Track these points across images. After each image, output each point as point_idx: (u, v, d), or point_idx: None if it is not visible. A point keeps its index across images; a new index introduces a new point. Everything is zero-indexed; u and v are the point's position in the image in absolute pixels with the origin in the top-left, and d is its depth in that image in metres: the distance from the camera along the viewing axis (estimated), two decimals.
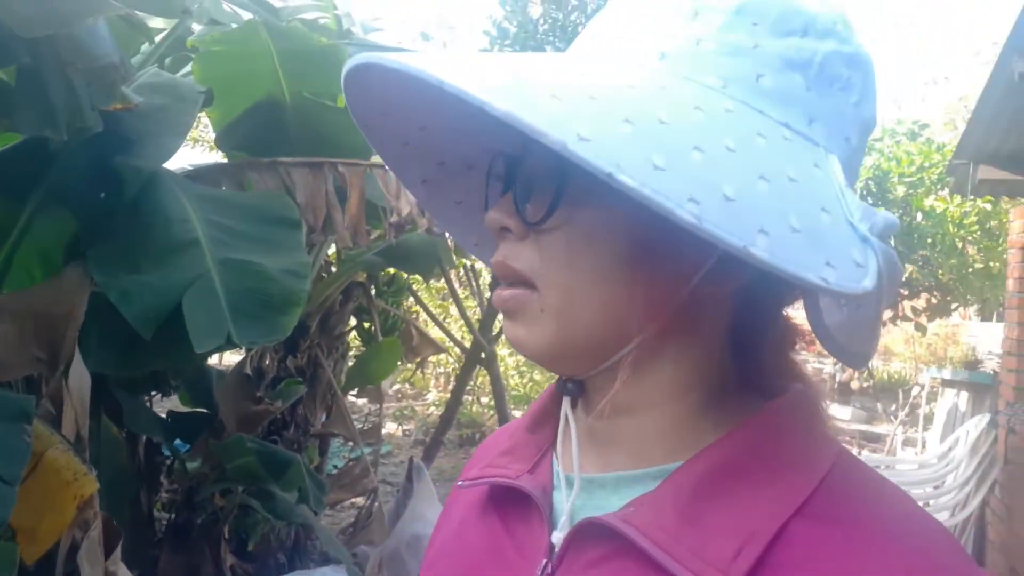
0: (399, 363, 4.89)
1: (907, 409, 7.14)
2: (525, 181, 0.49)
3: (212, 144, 7.09)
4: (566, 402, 0.52)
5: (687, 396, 0.48)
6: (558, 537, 0.48)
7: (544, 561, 0.48)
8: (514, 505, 0.53)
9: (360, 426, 4.18)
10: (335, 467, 4.25)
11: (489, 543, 0.54)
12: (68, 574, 1.78)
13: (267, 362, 3.51)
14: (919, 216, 6.90)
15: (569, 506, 0.49)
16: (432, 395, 8.97)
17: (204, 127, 7.88)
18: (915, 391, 7.27)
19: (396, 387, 9.10)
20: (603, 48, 0.48)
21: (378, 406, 4.40)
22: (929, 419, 6.34)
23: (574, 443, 0.50)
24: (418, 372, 7.26)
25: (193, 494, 2.76)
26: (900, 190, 6.94)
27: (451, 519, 0.61)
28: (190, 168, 2.67)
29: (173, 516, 2.84)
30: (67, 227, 2.11)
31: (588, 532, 0.46)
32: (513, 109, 0.37)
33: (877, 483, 0.46)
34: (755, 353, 0.50)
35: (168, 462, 3.10)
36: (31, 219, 2.05)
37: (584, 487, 0.50)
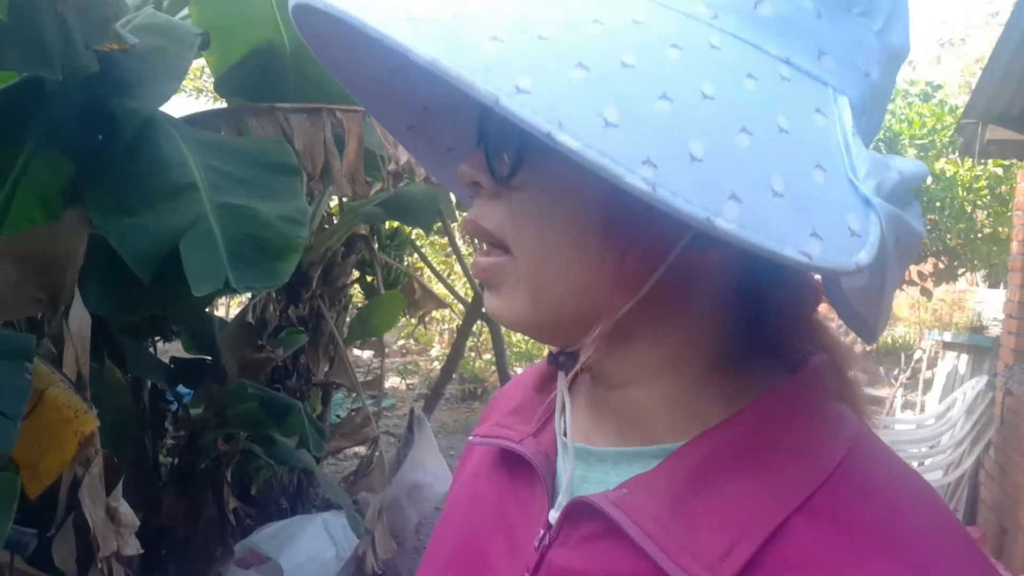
0: (401, 317, 4.91)
1: (908, 373, 7.16)
2: (497, 132, 0.43)
3: (216, 94, 7.03)
4: (561, 376, 0.49)
5: (685, 369, 0.44)
6: (554, 516, 0.46)
7: (542, 532, 0.46)
8: (521, 466, 0.51)
9: (363, 378, 4.22)
10: (338, 417, 4.30)
11: (496, 503, 0.52)
12: (70, 509, 1.82)
13: (270, 311, 3.53)
14: (929, 179, 6.84)
15: (567, 482, 0.47)
16: (436, 350, 9.03)
17: (209, 77, 7.81)
18: (917, 355, 7.28)
19: (400, 343, 9.17)
20: None
21: (380, 359, 4.43)
22: (929, 383, 6.36)
23: (567, 417, 0.48)
24: (422, 327, 7.31)
25: (196, 439, 2.80)
26: (911, 152, 6.87)
27: (465, 470, 0.60)
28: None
29: (176, 460, 2.89)
30: (65, 169, 2.11)
31: (581, 509, 0.44)
32: (439, 54, 0.32)
33: (894, 476, 0.41)
34: (765, 320, 0.45)
35: (173, 409, 3.15)
36: (28, 161, 2.05)
37: (585, 458, 0.48)
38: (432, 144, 0.56)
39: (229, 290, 2.06)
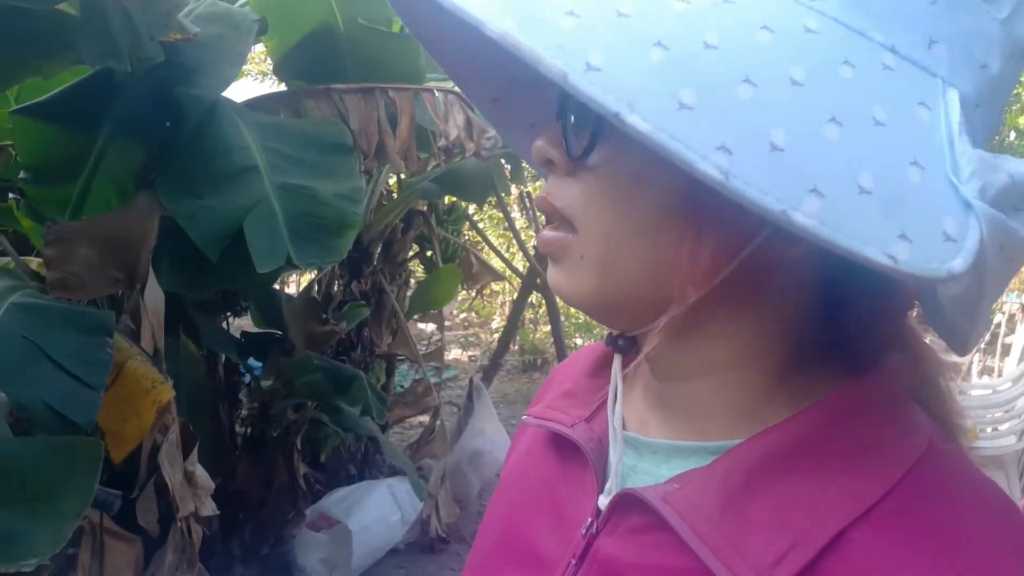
0: (461, 290, 5.00)
1: (987, 337, 6.89)
2: (577, 107, 0.41)
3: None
4: (617, 361, 0.48)
5: (752, 365, 0.42)
6: (603, 501, 0.45)
7: (590, 520, 0.45)
8: (571, 450, 0.50)
9: (425, 351, 4.33)
10: (401, 388, 4.44)
11: (546, 487, 0.52)
12: (150, 472, 1.96)
13: (334, 287, 3.66)
14: (1012, 135, 6.52)
15: (615, 472, 0.46)
16: (496, 323, 9.14)
17: (269, 62, 8.01)
18: (996, 319, 7.00)
19: (463, 315, 9.31)
20: None
21: (440, 331, 4.54)
22: (1008, 349, 6.12)
23: (618, 405, 0.47)
24: (481, 300, 7.40)
25: (267, 409, 2.95)
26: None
27: (518, 448, 0.60)
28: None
29: (249, 430, 3.05)
30: (136, 155, 2.23)
31: (631, 501, 0.42)
32: (512, 29, 0.30)
33: (968, 491, 0.38)
34: (844, 318, 0.42)
35: (246, 382, 3.31)
36: (103, 149, 2.18)
37: (637, 448, 0.46)
38: (515, 118, 0.54)
39: (291, 266, 2.15)
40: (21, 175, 2.16)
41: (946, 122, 0.33)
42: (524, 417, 0.56)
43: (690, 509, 0.39)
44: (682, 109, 0.29)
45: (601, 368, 0.54)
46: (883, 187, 0.30)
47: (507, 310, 9.21)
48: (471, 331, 8.96)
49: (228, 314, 3.15)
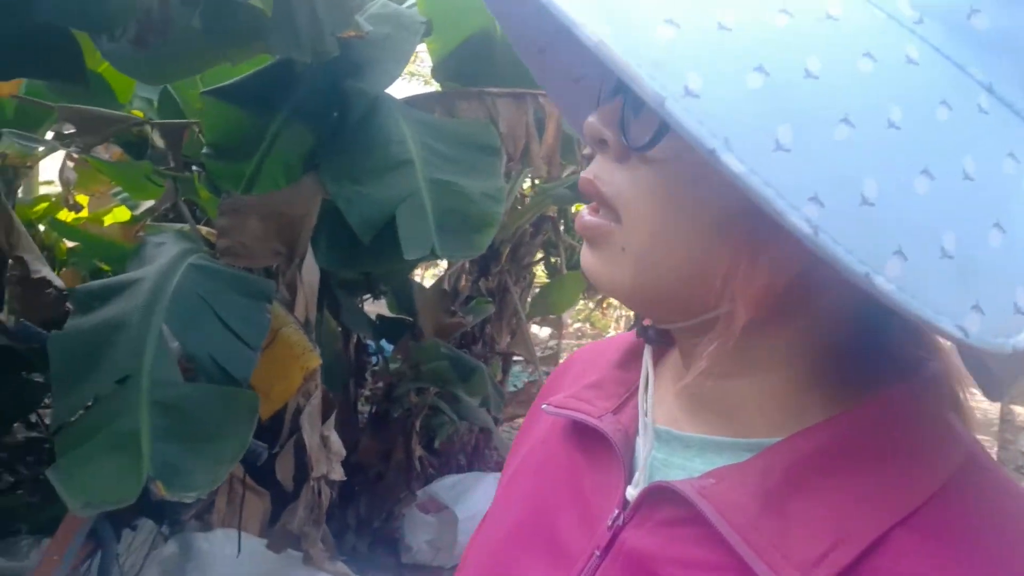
0: (580, 299, 5.05)
1: None
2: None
3: (428, 79, 7.51)
4: (648, 352, 0.47)
5: (794, 365, 0.40)
6: (632, 493, 0.44)
7: (617, 512, 0.44)
8: (596, 441, 0.49)
9: (540, 354, 4.41)
10: (515, 387, 4.53)
11: (569, 476, 0.50)
12: (291, 432, 2.13)
13: (462, 281, 3.81)
14: None
15: (645, 463, 0.45)
16: (611, 334, 9.12)
17: (420, 62, 8.35)
18: None
19: (577, 325, 9.35)
20: None
21: (557, 337, 4.61)
22: None
23: (649, 397, 0.46)
24: (599, 312, 7.41)
25: (392, 389, 3.10)
26: None
27: (531, 436, 0.58)
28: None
29: (374, 408, 3.22)
30: (306, 140, 2.42)
31: (662, 493, 0.41)
32: (607, 37, 0.29)
33: (1008, 500, 0.38)
34: (887, 323, 0.40)
35: (373, 362, 3.51)
36: (278, 132, 2.38)
37: (669, 442, 0.45)
38: (559, 70, 0.51)
39: (434, 256, 2.28)
40: (204, 150, 2.39)
41: None
42: (543, 406, 0.53)
43: (728, 504, 0.38)
44: (778, 150, 0.28)
45: (630, 360, 0.52)
46: (964, 250, 0.29)
47: (622, 324, 9.18)
48: (583, 341, 8.99)
49: (367, 296, 3.34)
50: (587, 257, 0.43)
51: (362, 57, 2.48)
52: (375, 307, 3.78)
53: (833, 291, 0.38)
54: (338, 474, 2.14)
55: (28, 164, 2.96)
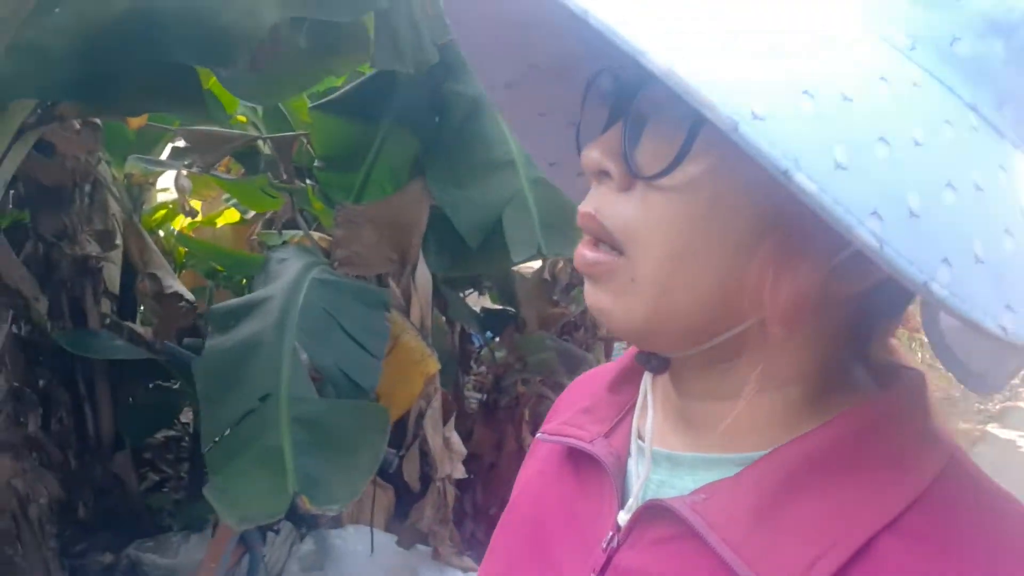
0: None
1: None
2: (639, 115, 0.39)
3: None
4: (647, 379, 0.48)
5: (787, 387, 0.41)
6: (624, 517, 0.44)
7: (611, 534, 0.44)
8: (590, 466, 0.49)
9: None
10: None
11: (564, 502, 0.51)
12: (415, 436, 2.21)
13: (559, 265, 3.82)
14: None
15: (639, 485, 0.45)
16: None
17: None
18: None
19: None
20: None
21: None
22: None
23: (649, 422, 0.46)
24: None
25: (500, 380, 3.16)
26: None
27: (530, 467, 0.58)
28: None
29: (484, 396, 3.29)
30: (410, 147, 2.47)
31: (655, 511, 0.42)
32: (676, 66, 0.29)
33: (989, 501, 0.39)
34: (868, 340, 0.43)
35: (476, 350, 3.58)
36: (383, 140, 2.44)
37: (659, 462, 0.45)
38: (525, 105, 0.51)
39: (539, 255, 2.30)
40: (315, 163, 2.48)
41: (1020, 186, 0.33)
42: (540, 435, 0.54)
43: (719, 518, 0.38)
44: (838, 169, 0.29)
45: (621, 385, 0.53)
46: (991, 255, 0.30)
47: None
48: None
49: (470, 290, 3.41)
50: (594, 294, 0.42)
51: (459, 59, 2.49)
52: (475, 299, 3.85)
53: (840, 307, 0.39)
54: (460, 472, 2.21)
55: (150, 181, 3.14)
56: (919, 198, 0.29)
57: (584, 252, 0.41)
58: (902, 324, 0.44)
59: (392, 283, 2.40)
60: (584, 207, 0.41)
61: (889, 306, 0.42)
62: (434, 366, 2.10)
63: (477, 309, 3.40)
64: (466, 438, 3.10)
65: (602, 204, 0.40)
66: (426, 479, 2.31)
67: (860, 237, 0.28)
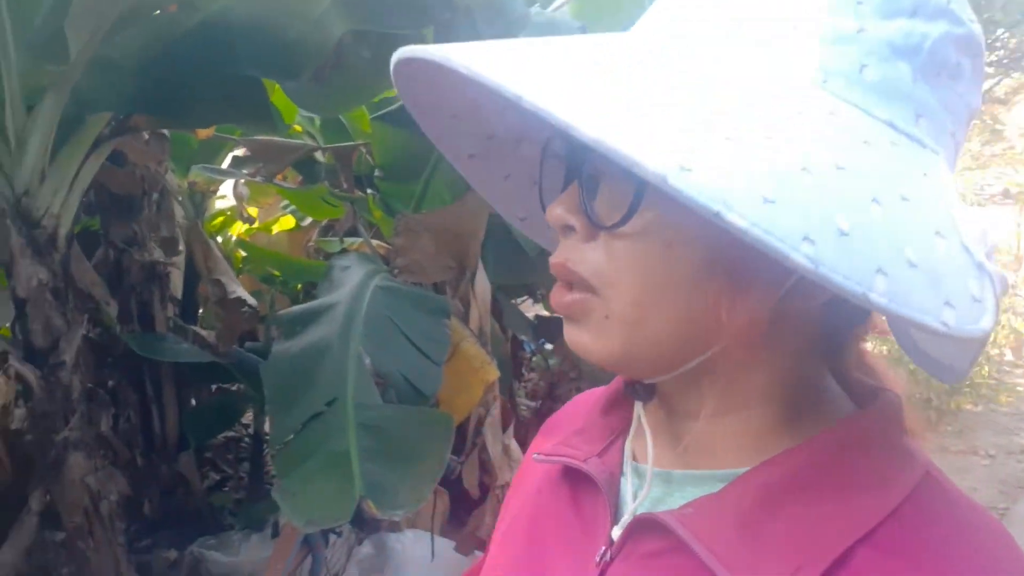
0: None
1: None
2: (593, 172, 0.44)
3: None
4: (638, 405, 0.51)
5: (769, 404, 0.45)
6: (617, 533, 0.47)
7: (603, 549, 0.47)
8: (584, 484, 0.52)
9: None
10: None
11: (559, 520, 0.53)
12: (474, 443, 2.22)
13: None
14: None
15: (635, 503, 0.48)
16: None
17: None
18: None
19: None
20: (681, 32, 0.42)
21: None
22: None
23: (649, 446, 0.48)
24: None
25: (554, 387, 3.17)
26: None
27: (526, 486, 0.60)
28: None
29: (538, 404, 3.30)
30: None
31: (646, 526, 0.45)
32: (603, 135, 0.32)
33: (962, 515, 0.42)
34: (839, 356, 0.46)
35: (528, 357, 3.58)
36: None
37: (656, 480, 0.48)
38: (489, 171, 0.56)
39: None
40: (376, 173, 2.52)
41: (945, 191, 0.36)
42: (535, 456, 0.57)
43: (706, 531, 0.41)
44: (766, 203, 0.31)
45: (611, 407, 0.56)
46: (924, 259, 0.33)
47: None
48: None
49: (525, 298, 3.42)
50: (573, 333, 0.46)
51: None
52: (528, 306, 3.86)
53: (800, 327, 0.43)
54: None
55: (212, 189, 3.22)
56: (846, 217, 0.32)
57: (560, 295, 0.45)
58: (870, 329, 0.47)
59: (449, 290, 2.43)
60: (555, 259, 0.45)
61: (851, 315, 0.45)
62: (494, 373, 2.11)
63: (531, 316, 3.41)
64: (520, 445, 3.11)
65: (571, 254, 0.44)
66: (482, 486, 2.32)
67: (796, 261, 0.31)
